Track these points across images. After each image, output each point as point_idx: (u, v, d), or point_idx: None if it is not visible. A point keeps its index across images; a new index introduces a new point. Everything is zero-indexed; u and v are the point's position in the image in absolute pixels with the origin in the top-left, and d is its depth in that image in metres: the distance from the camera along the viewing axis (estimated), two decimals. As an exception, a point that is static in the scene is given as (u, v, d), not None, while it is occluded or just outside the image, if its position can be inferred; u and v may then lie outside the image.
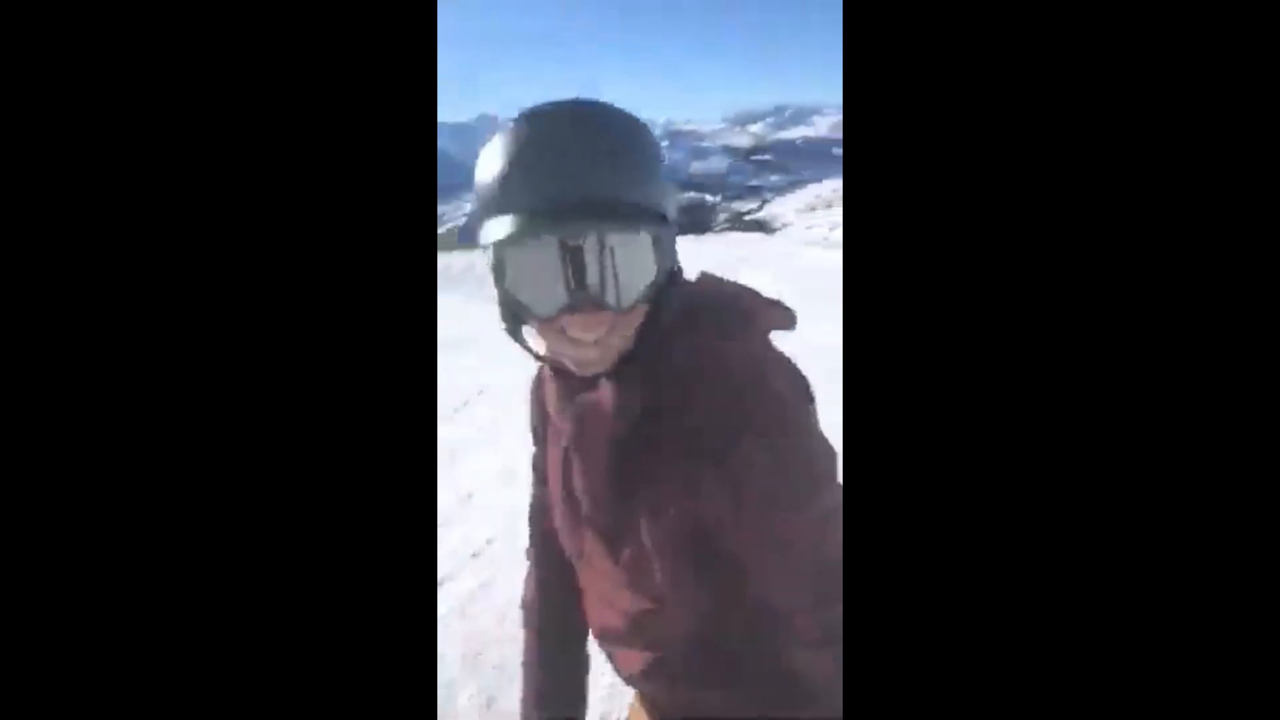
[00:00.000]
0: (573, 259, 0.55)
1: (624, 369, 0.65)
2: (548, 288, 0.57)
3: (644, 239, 0.57)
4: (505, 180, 0.55)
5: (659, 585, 0.67)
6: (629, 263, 0.57)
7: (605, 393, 0.67)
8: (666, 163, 0.60)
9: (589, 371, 0.64)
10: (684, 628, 0.70)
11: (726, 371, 0.63)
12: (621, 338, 0.62)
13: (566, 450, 0.73)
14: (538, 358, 0.73)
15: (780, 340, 0.70)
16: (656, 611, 0.69)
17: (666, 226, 0.59)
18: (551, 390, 0.76)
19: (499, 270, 0.58)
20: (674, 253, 0.62)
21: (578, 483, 0.72)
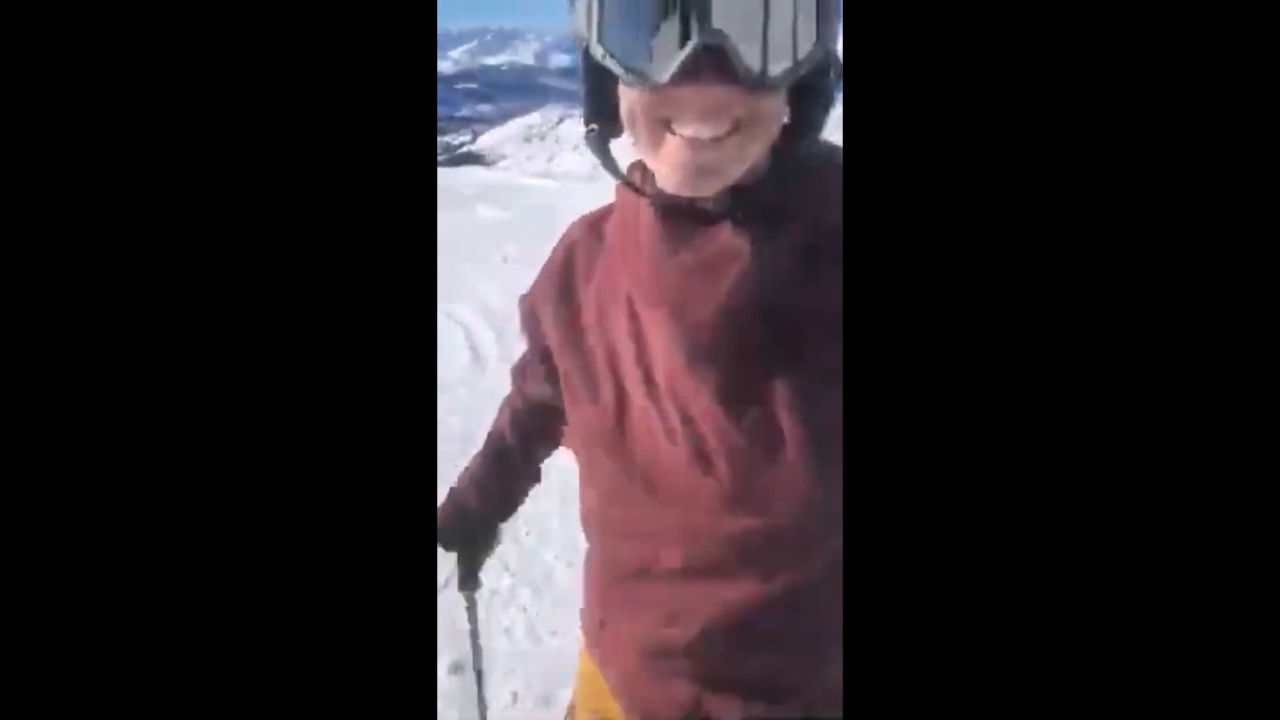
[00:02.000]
0: None
1: (761, 210, 0.49)
2: (660, 35, 0.41)
3: None
4: None
5: (796, 493, 0.51)
6: (783, 11, 0.41)
7: (732, 240, 0.49)
8: None
9: (706, 190, 0.47)
10: (821, 556, 0.53)
11: None
12: (756, 142, 0.46)
13: (639, 322, 0.55)
14: (626, 181, 0.53)
15: None
16: (781, 532, 0.53)
17: None
18: (629, 239, 0.54)
19: (590, 13, 0.43)
20: (836, 40, 0.44)
21: (669, 364, 0.53)
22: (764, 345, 0.51)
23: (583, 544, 0.72)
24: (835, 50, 0.46)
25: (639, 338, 0.56)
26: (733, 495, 0.53)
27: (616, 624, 0.65)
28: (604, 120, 0.49)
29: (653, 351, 0.55)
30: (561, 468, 0.80)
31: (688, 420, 0.53)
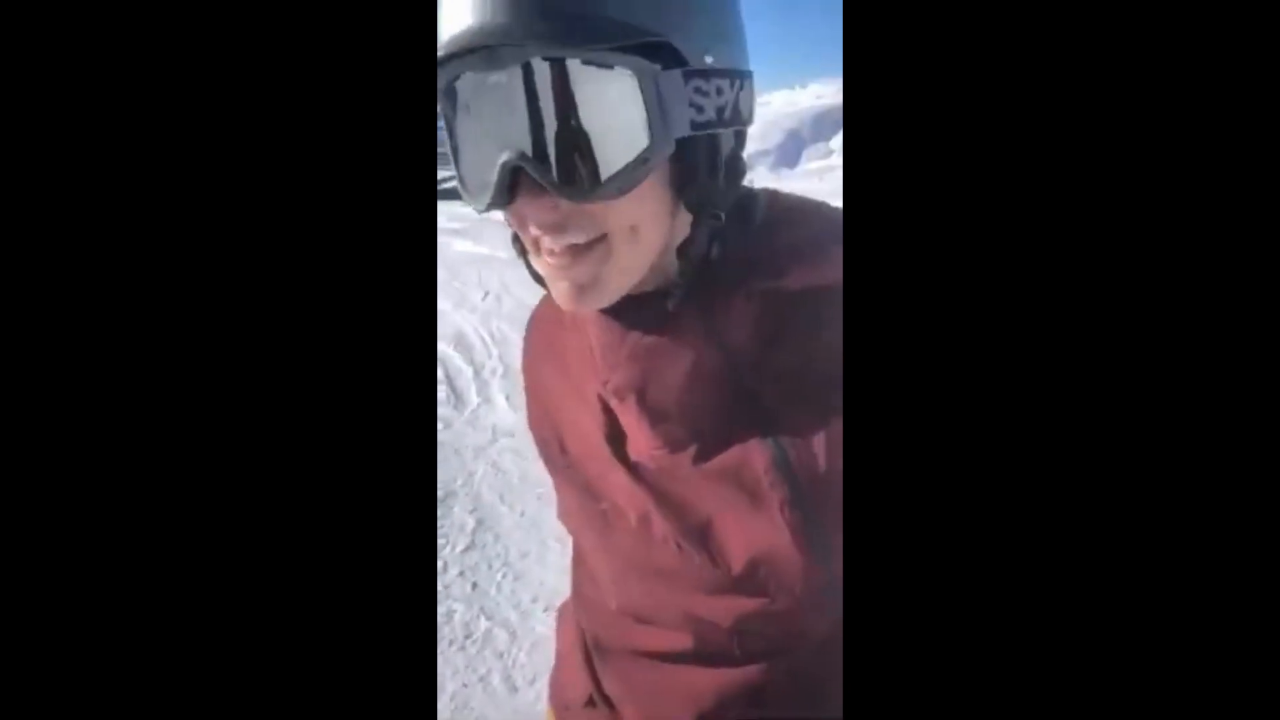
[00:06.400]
0: (509, 103, 0.39)
1: (695, 295, 0.48)
2: (484, 154, 0.41)
3: (621, 77, 0.39)
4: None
5: (789, 567, 0.49)
6: (597, 113, 0.40)
7: (676, 327, 0.49)
8: None
9: (593, 305, 0.46)
10: (818, 625, 0.52)
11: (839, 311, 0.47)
12: (630, 244, 0.44)
13: (609, 406, 0.54)
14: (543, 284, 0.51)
15: None
16: (777, 612, 0.50)
17: (672, 70, 0.41)
18: (581, 332, 0.55)
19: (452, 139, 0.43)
20: (709, 113, 0.42)
21: (643, 449, 0.52)
22: (733, 422, 0.51)
23: (560, 586, 0.73)
24: (715, 141, 0.45)
25: (611, 421, 0.55)
26: (725, 576, 0.51)
27: (618, 702, 0.63)
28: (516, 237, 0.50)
29: (627, 435, 0.54)
30: (532, 508, 0.77)
31: (670, 502, 0.53)
